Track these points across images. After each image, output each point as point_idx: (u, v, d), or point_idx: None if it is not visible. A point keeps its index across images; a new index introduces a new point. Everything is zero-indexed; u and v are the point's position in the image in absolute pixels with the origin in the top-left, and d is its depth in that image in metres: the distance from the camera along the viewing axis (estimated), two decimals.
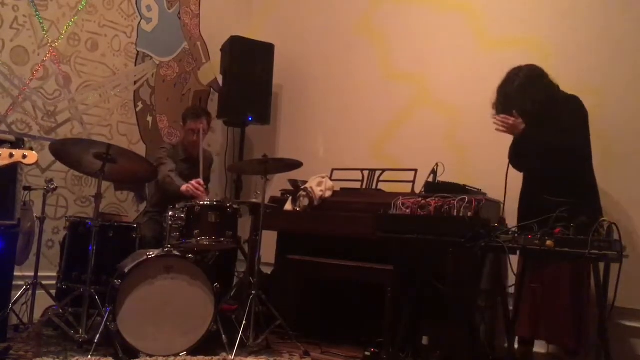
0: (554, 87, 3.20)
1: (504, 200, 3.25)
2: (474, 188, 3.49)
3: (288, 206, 4.03)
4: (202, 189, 3.72)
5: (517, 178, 3.31)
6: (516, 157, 3.23)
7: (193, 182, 3.73)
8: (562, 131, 3.04)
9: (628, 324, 3.32)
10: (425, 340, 3.22)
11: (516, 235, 2.72)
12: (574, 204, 2.72)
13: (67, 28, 4.25)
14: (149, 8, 4.78)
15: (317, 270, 3.84)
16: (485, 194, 3.51)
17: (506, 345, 3.23)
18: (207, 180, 4.25)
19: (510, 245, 2.72)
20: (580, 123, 3.10)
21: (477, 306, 3.44)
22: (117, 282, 3.05)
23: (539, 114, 3.09)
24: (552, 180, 3.04)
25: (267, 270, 4.17)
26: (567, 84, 3.29)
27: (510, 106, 3.13)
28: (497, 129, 3.14)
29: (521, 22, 3.95)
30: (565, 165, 3.04)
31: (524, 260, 3.14)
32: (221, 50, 5.01)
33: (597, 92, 3.50)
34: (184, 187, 3.72)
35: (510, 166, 3.24)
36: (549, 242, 2.59)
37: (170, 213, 3.33)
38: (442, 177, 3.48)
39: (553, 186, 3.00)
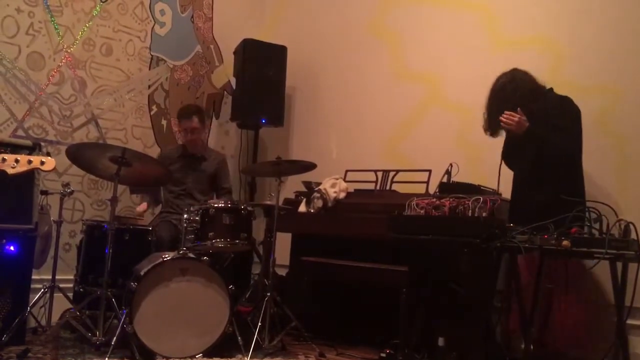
0: (545, 88, 3.27)
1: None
2: (489, 188, 3.47)
3: (302, 208, 4.03)
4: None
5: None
6: (510, 156, 3.31)
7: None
8: (559, 130, 3.10)
9: None
10: (441, 341, 3.21)
11: (532, 235, 2.70)
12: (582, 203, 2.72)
13: (82, 33, 4.30)
14: (162, 12, 4.82)
15: (332, 272, 3.84)
16: (500, 194, 3.48)
17: (522, 346, 3.20)
18: (218, 183, 4.27)
19: (527, 245, 2.70)
20: (577, 123, 3.18)
21: (492, 307, 3.42)
22: (133, 284, 3.07)
23: (532, 113, 3.13)
24: (546, 179, 3.10)
25: (282, 272, 4.18)
26: (581, 83, 3.27)
27: (505, 109, 3.17)
28: (503, 126, 3.18)
29: (534, 22, 3.92)
30: (560, 164, 3.08)
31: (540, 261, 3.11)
32: (234, 53, 5.03)
33: (612, 91, 3.47)
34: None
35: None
36: (565, 242, 2.57)
37: (185, 216, 3.35)
38: (456, 178, 3.46)
39: (546, 185, 3.07)
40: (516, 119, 3.10)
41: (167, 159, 4.10)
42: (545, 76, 3.41)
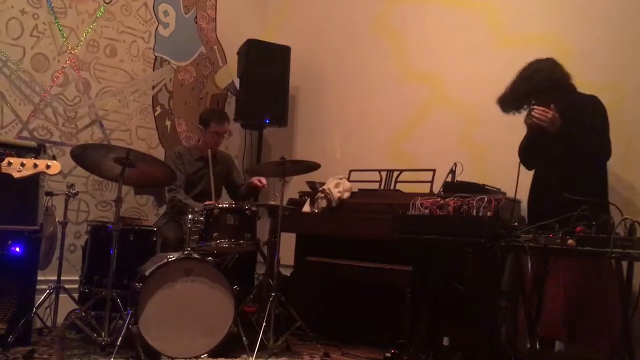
0: (573, 86, 3.18)
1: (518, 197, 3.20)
2: (493, 187, 3.47)
3: (306, 208, 4.03)
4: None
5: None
6: (533, 154, 3.19)
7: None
8: (595, 131, 3.01)
9: None
10: (446, 341, 3.21)
11: (537, 234, 2.69)
12: (595, 203, 2.69)
13: (86, 35, 4.31)
14: (166, 13, 4.83)
15: (336, 272, 3.84)
16: (504, 193, 3.48)
17: (528, 345, 3.19)
18: (232, 181, 4.28)
19: (531, 244, 2.70)
20: (606, 122, 3.09)
21: (497, 307, 3.42)
22: (138, 285, 3.08)
23: (562, 111, 3.04)
24: (575, 178, 3.00)
25: (286, 272, 4.18)
26: (585, 81, 3.25)
27: (534, 94, 3.07)
28: (535, 121, 3.02)
29: (538, 19, 3.91)
30: (591, 165, 3.00)
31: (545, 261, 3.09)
32: (238, 53, 5.04)
33: (617, 88, 3.46)
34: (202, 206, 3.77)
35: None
36: (570, 241, 2.56)
37: (190, 216, 3.35)
38: (460, 177, 3.46)
39: (575, 185, 2.96)
40: (550, 115, 2.98)
41: (181, 159, 4.10)
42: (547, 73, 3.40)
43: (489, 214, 2.85)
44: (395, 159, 4.36)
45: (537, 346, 3.15)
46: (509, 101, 3.20)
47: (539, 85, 3.09)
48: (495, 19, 4.13)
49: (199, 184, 4.13)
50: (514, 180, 3.44)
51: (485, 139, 4.03)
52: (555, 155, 3.11)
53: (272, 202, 3.94)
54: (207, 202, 3.72)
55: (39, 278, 3.41)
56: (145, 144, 4.66)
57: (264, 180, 4.13)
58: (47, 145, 3.62)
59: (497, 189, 3.52)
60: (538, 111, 3.00)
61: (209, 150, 3.96)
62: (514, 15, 4.04)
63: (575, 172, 3.05)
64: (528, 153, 3.22)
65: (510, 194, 3.48)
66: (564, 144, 3.06)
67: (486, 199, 2.89)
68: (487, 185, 3.42)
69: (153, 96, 4.75)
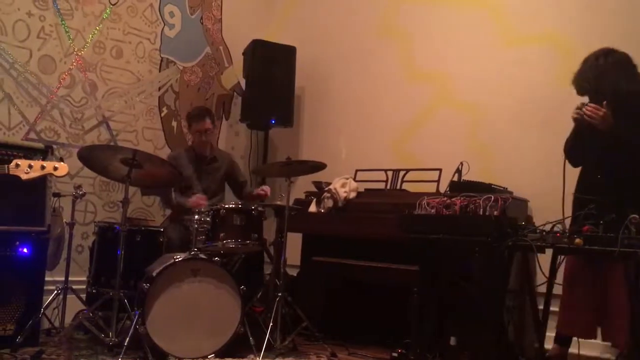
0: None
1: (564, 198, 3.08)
2: (500, 187, 3.46)
3: (312, 208, 4.03)
4: (204, 201, 3.82)
5: (542, 174, 3.24)
6: (580, 151, 3.06)
7: (194, 198, 3.85)
8: None
9: None
10: (453, 341, 3.20)
11: (544, 233, 2.68)
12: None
13: (92, 36, 4.32)
14: (171, 14, 4.84)
15: (343, 272, 3.84)
16: (511, 193, 3.47)
17: (536, 345, 3.18)
18: (235, 179, 4.29)
19: (538, 244, 2.69)
20: None
21: (505, 306, 3.40)
22: (146, 285, 3.08)
23: (622, 106, 2.91)
24: (625, 178, 2.89)
25: (293, 272, 4.18)
26: None
27: (599, 87, 2.94)
28: (586, 118, 2.90)
29: (545, 18, 3.90)
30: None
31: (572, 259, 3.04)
32: (243, 54, 5.04)
33: None
34: (191, 203, 3.82)
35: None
36: (577, 240, 2.55)
37: (196, 216, 3.36)
38: (466, 176, 3.45)
39: (624, 184, 2.86)
40: (601, 113, 2.86)
41: (177, 161, 4.10)
42: (556, 72, 3.39)
43: (495, 213, 2.85)
44: (401, 158, 4.35)
45: (545, 345, 3.14)
46: (582, 84, 3.03)
47: (619, 87, 2.94)
48: (501, 19, 4.11)
49: (198, 184, 4.13)
50: (520, 179, 3.43)
51: (492, 138, 4.02)
52: (604, 153, 2.98)
53: (279, 202, 3.95)
54: (196, 195, 3.74)
55: (46, 279, 3.43)
56: (152, 144, 4.67)
57: (268, 189, 4.16)
58: (55, 146, 3.64)
59: (504, 188, 3.51)
60: (590, 108, 2.88)
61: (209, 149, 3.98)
62: (519, 14, 4.02)
63: (625, 171, 2.92)
64: (575, 150, 3.09)
65: (517, 193, 3.47)
66: (614, 143, 2.92)
67: (493, 198, 2.89)
68: (494, 185, 3.41)
69: (159, 97, 4.76)
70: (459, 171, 3.45)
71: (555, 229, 2.73)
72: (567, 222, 2.81)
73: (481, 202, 2.91)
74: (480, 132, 4.08)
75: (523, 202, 3.58)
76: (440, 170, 3.77)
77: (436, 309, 3.14)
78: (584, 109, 2.91)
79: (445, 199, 3.05)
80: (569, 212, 2.94)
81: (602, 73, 2.97)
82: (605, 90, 2.93)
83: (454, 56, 4.30)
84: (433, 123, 4.36)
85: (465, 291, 3.12)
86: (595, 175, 3.06)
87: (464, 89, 4.21)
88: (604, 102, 2.87)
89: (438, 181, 3.76)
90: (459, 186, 3.30)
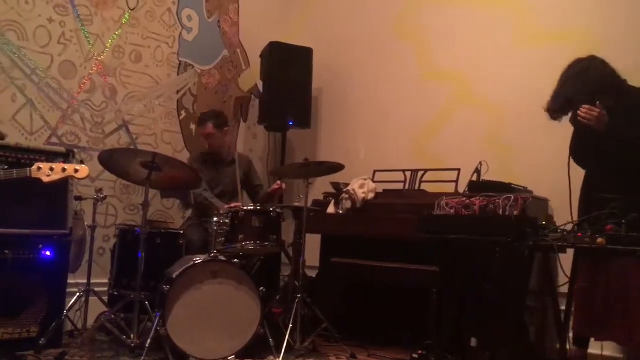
0: (624, 80, 3.05)
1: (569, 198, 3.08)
2: (520, 186, 3.43)
3: (331, 209, 4.03)
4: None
5: (563, 173, 3.20)
6: (582, 153, 3.07)
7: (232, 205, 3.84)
8: None
9: None
10: (473, 342, 3.17)
11: (566, 233, 2.65)
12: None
13: (111, 41, 4.37)
14: (189, 18, 4.88)
15: (362, 273, 3.84)
16: (531, 192, 3.44)
17: (558, 346, 3.15)
18: (251, 183, 4.30)
19: (560, 244, 2.66)
20: None
21: (526, 307, 3.37)
22: (166, 287, 3.11)
23: (611, 107, 2.91)
24: (629, 176, 2.88)
25: (312, 273, 4.19)
26: None
27: (582, 94, 2.96)
28: (580, 120, 2.92)
29: (564, 14, 3.85)
30: None
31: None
32: (261, 56, 5.06)
33: None
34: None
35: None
36: (600, 240, 2.52)
37: (215, 219, 3.38)
38: (486, 176, 3.42)
39: (629, 182, 2.85)
40: (596, 113, 2.87)
41: (195, 164, 4.14)
42: None
43: (515, 213, 2.82)
44: (419, 158, 4.33)
45: (567, 346, 3.10)
46: (559, 107, 3.08)
47: (591, 86, 2.96)
48: (519, 15, 4.08)
49: (217, 187, 4.16)
50: (540, 179, 3.39)
51: (511, 138, 3.98)
52: (606, 152, 2.97)
53: (297, 204, 3.95)
54: (232, 204, 3.75)
55: (69, 281, 3.47)
56: (171, 147, 4.71)
57: (281, 183, 4.15)
58: (76, 150, 3.68)
59: (524, 187, 3.48)
60: (584, 110, 2.89)
61: (234, 152, 4.01)
62: (538, 11, 3.98)
63: (629, 169, 2.91)
64: (577, 152, 3.10)
65: (537, 192, 3.44)
66: (614, 141, 2.92)
67: (513, 198, 2.86)
68: (514, 184, 3.38)
69: (178, 100, 4.80)
70: (478, 171, 3.43)
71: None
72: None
73: (501, 202, 2.89)
74: (500, 132, 4.05)
75: (544, 202, 3.54)
76: (459, 170, 3.75)
77: (456, 309, 3.12)
78: (578, 111, 2.91)
79: (465, 199, 3.04)
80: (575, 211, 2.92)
81: (583, 89, 2.96)
82: (571, 93, 2.96)
83: (472, 55, 4.27)
84: (452, 123, 4.34)
85: (486, 292, 3.10)
86: (601, 175, 3.05)
87: (484, 88, 4.18)
88: (597, 103, 2.87)
89: (457, 181, 3.73)
90: (478, 186, 3.27)
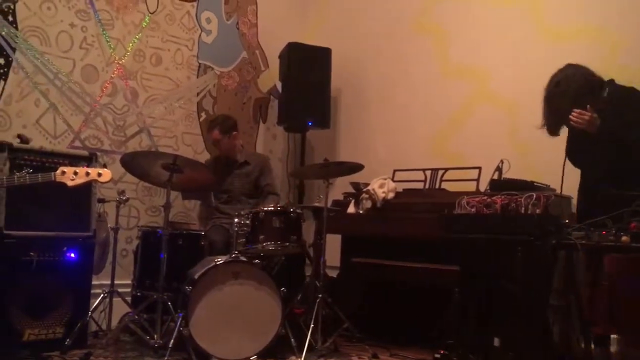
0: (602, 80, 3.10)
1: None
2: (542, 184, 3.39)
3: (351, 209, 4.03)
4: None
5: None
6: (578, 152, 3.14)
7: None
8: (635, 125, 2.91)
9: None
10: (496, 342, 3.15)
11: (589, 231, 2.62)
12: None
13: (132, 45, 4.42)
14: (208, 20, 4.91)
15: (382, 272, 3.83)
16: (554, 190, 3.39)
17: (583, 345, 3.11)
18: (263, 184, 4.30)
19: (583, 242, 2.62)
20: None
21: (549, 306, 3.33)
22: (188, 288, 3.13)
23: (599, 109, 2.96)
24: (624, 174, 2.91)
25: (333, 273, 4.19)
26: (635, 71, 3.14)
27: (563, 105, 3.04)
28: (573, 125, 3.00)
29: (585, 11, 3.80)
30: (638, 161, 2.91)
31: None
32: (279, 57, 5.08)
33: None
34: None
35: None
36: (624, 238, 2.48)
37: (236, 220, 3.40)
38: (507, 174, 3.39)
39: (624, 180, 2.86)
40: (587, 117, 2.93)
41: (211, 168, 4.17)
42: (598, 66, 3.30)
43: (538, 211, 2.79)
44: (439, 157, 4.31)
45: (591, 345, 3.06)
46: (550, 123, 3.18)
47: (573, 92, 3.04)
48: (539, 13, 4.03)
49: (228, 189, 4.18)
50: (565, 176, 3.34)
51: (533, 135, 3.90)
52: (599, 153, 3.03)
53: (317, 204, 3.95)
54: None
55: (93, 283, 3.51)
56: (192, 149, 4.75)
57: None
58: (98, 153, 3.73)
59: (547, 185, 3.43)
60: (575, 114, 2.96)
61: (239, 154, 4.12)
62: (559, 7, 3.94)
63: (623, 167, 2.95)
64: (572, 153, 3.18)
65: (562, 191, 3.39)
66: (607, 142, 2.97)
67: (535, 196, 2.83)
68: (536, 182, 3.34)
69: (198, 102, 4.84)
70: (499, 169, 3.39)
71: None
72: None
73: (523, 201, 2.86)
74: (521, 129, 4.00)
75: (567, 200, 3.49)
76: (479, 168, 3.72)
77: (478, 309, 3.10)
78: (570, 116, 2.97)
79: (486, 197, 3.01)
80: None
81: (572, 99, 3.03)
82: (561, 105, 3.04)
83: (492, 52, 4.24)
84: (472, 121, 4.31)
85: (509, 291, 3.07)
86: (594, 174, 3.11)
87: (504, 85, 4.15)
88: (588, 106, 2.92)
89: (478, 180, 3.71)
90: (499, 184, 3.24)
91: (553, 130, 3.20)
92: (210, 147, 4.84)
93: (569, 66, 3.15)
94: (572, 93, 3.04)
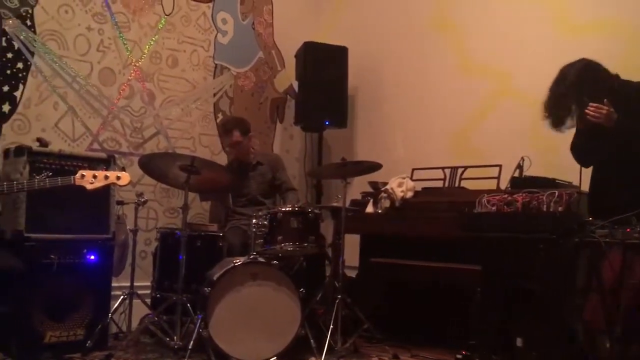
0: (614, 76, 3.05)
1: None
2: (565, 181, 3.33)
3: (369, 209, 4.00)
4: None
5: None
6: (587, 151, 3.08)
7: None
8: None
9: None
10: (519, 342, 3.10)
11: (613, 229, 2.56)
12: None
13: (148, 47, 4.44)
14: (224, 21, 4.91)
15: (402, 272, 3.80)
16: (577, 187, 3.33)
17: (608, 345, 3.05)
18: (279, 183, 4.29)
19: (607, 240, 2.57)
20: None
21: (573, 305, 3.28)
22: (207, 289, 3.13)
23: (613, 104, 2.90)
24: (636, 172, 2.86)
25: (352, 273, 4.16)
26: None
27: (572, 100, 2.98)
28: (589, 119, 2.92)
29: (602, 5, 3.73)
30: None
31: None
32: (295, 56, 5.06)
33: None
34: None
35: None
36: None
37: (254, 220, 3.39)
38: (528, 172, 3.34)
39: (636, 179, 2.83)
40: (604, 111, 2.86)
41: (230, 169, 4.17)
42: (618, 61, 3.23)
43: (560, 209, 2.74)
44: (459, 155, 4.26)
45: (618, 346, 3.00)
46: (554, 115, 3.11)
47: (580, 85, 2.97)
48: (558, 8, 3.96)
49: (245, 192, 4.17)
50: (586, 172, 3.28)
51: (554, 132, 3.87)
52: (612, 150, 2.97)
53: (335, 204, 3.93)
54: None
55: (113, 284, 3.53)
56: (209, 150, 4.75)
57: None
58: (116, 156, 3.75)
59: (569, 182, 3.38)
60: (592, 108, 2.87)
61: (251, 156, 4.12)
62: (576, 3, 3.87)
63: (635, 165, 2.89)
64: (582, 151, 3.12)
65: (583, 187, 3.33)
66: (621, 138, 2.91)
67: (557, 194, 2.79)
68: (558, 179, 3.28)
69: (214, 103, 4.84)
70: (520, 167, 3.34)
71: None
72: None
73: (545, 198, 2.81)
74: (542, 126, 3.91)
75: (587, 199, 3.44)
76: (500, 166, 3.67)
77: (500, 309, 3.05)
78: (586, 110, 2.88)
79: (506, 195, 2.97)
80: None
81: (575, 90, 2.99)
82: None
83: (511, 47, 4.17)
84: (492, 118, 4.25)
85: (531, 291, 3.03)
86: (606, 172, 3.05)
87: (524, 81, 4.08)
88: (605, 100, 2.84)
89: (498, 178, 3.66)
90: (520, 182, 3.19)
91: (557, 123, 3.13)
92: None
93: (581, 60, 3.08)
94: (578, 85, 2.97)
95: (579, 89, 2.97)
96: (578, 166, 3.20)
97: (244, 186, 4.18)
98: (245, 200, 4.18)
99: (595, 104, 2.89)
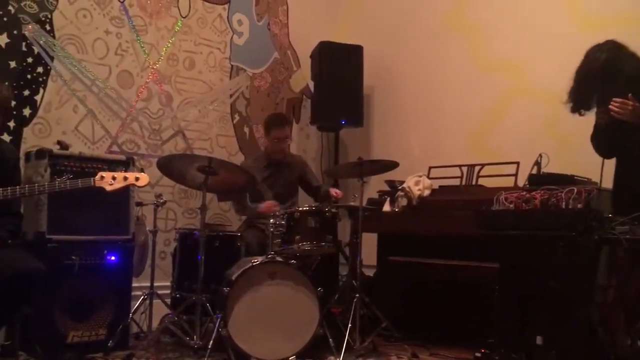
0: None
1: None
2: (583, 178, 3.30)
3: (386, 207, 4.00)
4: (276, 207, 3.81)
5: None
6: (609, 144, 3.03)
7: (266, 204, 3.90)
8: None
9: None
10: (539, 340, 3.08)
11: (634, 225, 2.54)
12: None
13: (165, 49, 4.48)
14: (239, 22, 4.94)
15: (420, 271, 3.79)
16: (596, 183, 3.30)
17: (629, 343, 3.01)
18: (308, 184, 4.32)
19: (628, 236, 2.54)
20: None
21: (593, 303, 3.24)
22: (226, 289, 3.16)
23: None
24: None
25: (369, 272, 4.17)
26: None
27: (606, 88, 2.89)
28: (613, 114, 2.84)
29: (618, 0, 3.68)
30: None
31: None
32: (311, 56, 5.07)
33: None
34: (262, 210, 3.89)
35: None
36: None
37: (272, 220, 3.40)
38: (546, 169, 3.31)
39: None
40: (629, 107, 2.77)
41: (252, 168, 4.16)
42: None
43: (579, 206, 2.72)
44: (476, 153, 4.24)
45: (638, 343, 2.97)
46: (579, 100, 3.05)
47: (612, 77, 2.89)
48: (574, 4, 3.93)
49: (271, 190, 4.18)
50: (606, 169, 3.25)
51: (572, 128, 3.81)
52: (635, 144, 2.91)
53: (352, 203, 3.94)
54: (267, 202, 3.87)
55: (133, 285, 3.57)
56: (226, 151, 4.78)
57: (340, 193, 4.14)
58: (135, 157, 3.79)
59: (588, 179, 3.35)
60: (617, 104, 2.79)
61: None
62: None
63: None
64: (604, 144, 3.06)
65: (603, 184, 3.30)
66: None
67: (576, 191, 2.76)
68: (577, 176, 3.26)
69: (231, 104, 4.87)
70: (537, 164, 3.32)
71: None
72: None
73: (563, 195, 2.79)
74: (560, 122, 3.89)
75: (608, 193, 3.40)
76: (517, 163, 3.65)
77: (519, 307, 3.03)
78: (610, 105, 2.79)
79: (525, 193, 2.95)
80: None
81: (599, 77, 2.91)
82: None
83: (528, 44, 4.15)
84: (509, 115, 4.22)
85: (550, 288, 3.00)
86: (631, 165, 2.99)
87: (541, 78, 4.05)
88: (629, 95, 2.74)
89: (516, 175, 3.63)
90: (538, 179, 3.17)
91: (577, 108, 3.07)
92: (246, 147, 4.87)
93: (608, 42, 3.00)
94: (620, 81, 2.87)
95: (604, 70, 2.90)
96: (597, 162, 3.17)
97: (271, 184, 4.19)
98: (272, 195, 4.18)
99: (620, 99, 2.79)
